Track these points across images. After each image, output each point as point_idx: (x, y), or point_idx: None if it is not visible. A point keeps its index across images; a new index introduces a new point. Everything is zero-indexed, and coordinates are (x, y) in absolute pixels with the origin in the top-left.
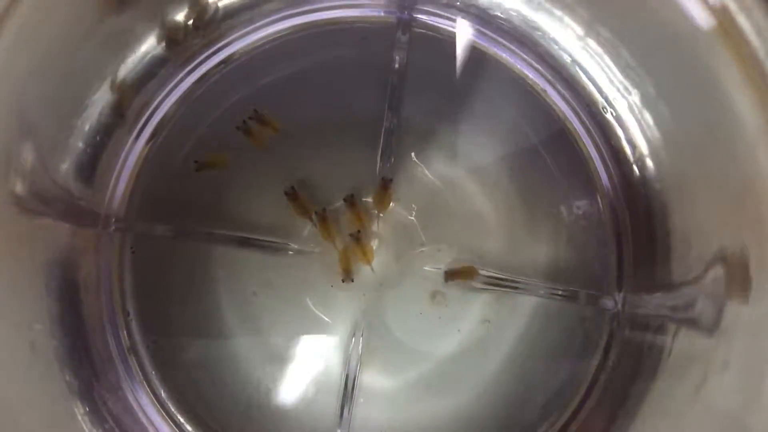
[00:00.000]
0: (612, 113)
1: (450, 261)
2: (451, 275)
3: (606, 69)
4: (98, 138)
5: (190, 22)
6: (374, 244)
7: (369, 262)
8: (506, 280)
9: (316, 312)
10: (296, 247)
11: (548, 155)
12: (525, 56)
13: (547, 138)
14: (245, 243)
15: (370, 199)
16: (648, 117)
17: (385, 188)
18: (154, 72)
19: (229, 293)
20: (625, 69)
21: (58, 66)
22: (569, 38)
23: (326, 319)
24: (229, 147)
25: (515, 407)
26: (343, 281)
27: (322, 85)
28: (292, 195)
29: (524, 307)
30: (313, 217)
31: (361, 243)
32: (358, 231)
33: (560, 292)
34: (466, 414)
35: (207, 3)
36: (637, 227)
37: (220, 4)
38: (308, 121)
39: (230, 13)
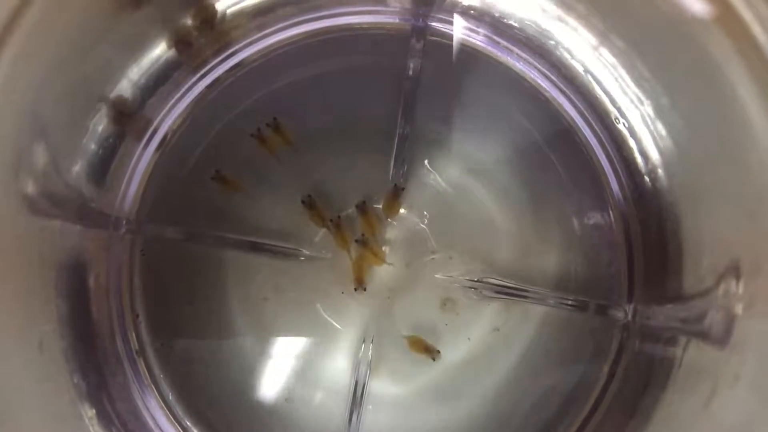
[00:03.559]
0: (624, 124)
1: (462, 270)
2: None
3: (619, 79)
4: (110, 140)
5: (197, 25)
6: (385, 250)
7: (382, 261)
8: (516, 288)
9: (327, 318)
10: (308, 252)
11: (560, 165)
12: (538, 65)
13: (559, 148)
14: (256, 248)
15: (380, 206)
16: (661, 128)
17: (395, 195)
18: (167, 75)
19: (240, 297)
20: (638, 79)
21: (72, 67)
22: (583, 48)
23: (336, 325)
24: (241, 151)
25: (523, 417)
26: (355, 290)
27: (335, 91)
28: (308, 203)
29: (534, 316)
30: (329, 224)
31: (369, 246)
32: (363, 234)
33: (570, 302)
34: (474, 422)
35: (213, 7)
36: (649, 238)
37: (234, 9)
38: (321, 127)
39: (243, 17)
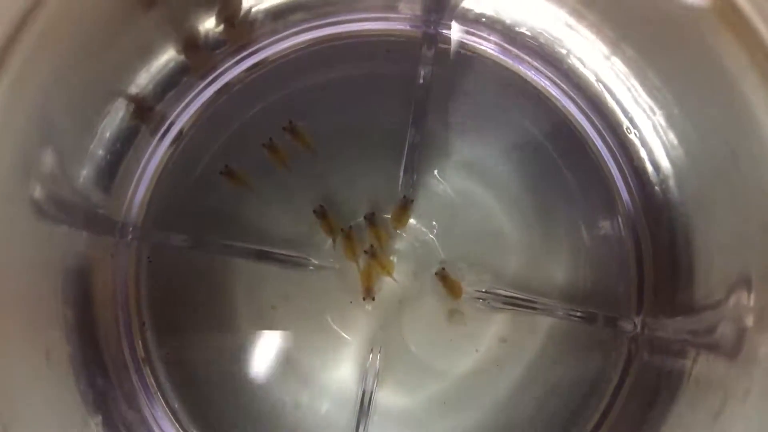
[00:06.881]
0: (636, 133)
1: (470, 281)
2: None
3: (631, 89)
4: (119, 145)
5: (220, 22)
6: (394, 260)
7: (390, 274)
8: (524, 300)
9: (335, 327)
10: (316, 262)
11: (570, 174)
12: (550, 74)
13: (570, 157)
14: (264, 256)
15: (389, 216)
16: (673, 138)
17: (404, 206)
18: (176, 80)
19: (247, 306)
20: (650, 89)
21: (82, 72)
22: (595, 57)
23: (344, 334)
24: (250, 158)
25: (530, 428)
26: (364, 299)
27: (345, 98)
28: (320, 213)
29: (542, 327)
30: (339, 234)
31: (377, 257)
32: (371, 245)
33: (578, 314)
34: None
35: (239, 4)
36: (659, 250)
37: (252, 10)
38: (330, 135)
39: (254, 23)
